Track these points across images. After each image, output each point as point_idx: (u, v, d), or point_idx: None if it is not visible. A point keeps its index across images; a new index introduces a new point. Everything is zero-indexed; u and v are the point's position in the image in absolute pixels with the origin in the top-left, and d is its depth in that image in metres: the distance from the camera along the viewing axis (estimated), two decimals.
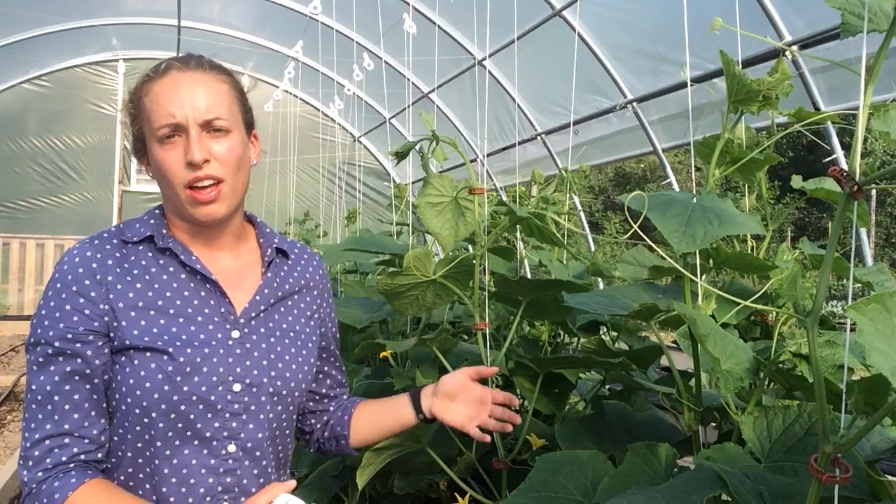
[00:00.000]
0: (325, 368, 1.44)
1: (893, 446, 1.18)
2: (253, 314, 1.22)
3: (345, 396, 1.49)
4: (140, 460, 1.14)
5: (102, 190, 10.79)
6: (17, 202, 10.78)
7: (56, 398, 1.11)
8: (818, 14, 4.08)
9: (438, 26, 6.95)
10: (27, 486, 1.10)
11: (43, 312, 1.13)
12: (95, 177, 10.97)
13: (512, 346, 1.91)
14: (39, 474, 1.09)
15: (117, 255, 1.18)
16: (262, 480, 1.20)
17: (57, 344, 1.11)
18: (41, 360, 1.12)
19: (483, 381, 1.86)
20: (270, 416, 1.21)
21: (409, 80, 7.77)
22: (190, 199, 1.15)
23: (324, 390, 1.44)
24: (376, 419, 1.39)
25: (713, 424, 1.61)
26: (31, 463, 1.10)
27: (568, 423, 1.65)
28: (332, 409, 1.45)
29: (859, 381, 1.09)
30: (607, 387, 2.07)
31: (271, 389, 1.20)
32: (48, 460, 1.10)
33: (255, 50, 9.90)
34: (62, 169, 10.95)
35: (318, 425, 1.45)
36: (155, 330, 1.14)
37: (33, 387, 1.13)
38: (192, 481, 1.14)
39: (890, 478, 1.14)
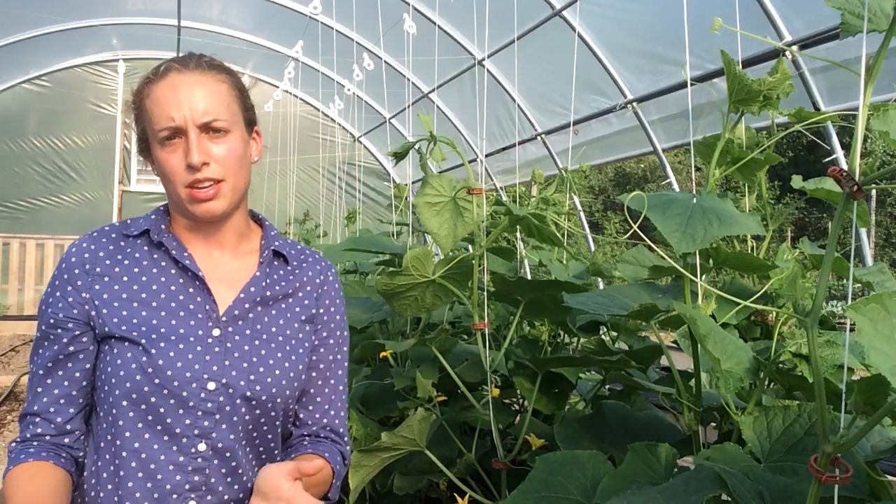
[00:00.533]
0: (304, 387, 1.29)
1: (893, 446, 1.18)
2: (236, 312, 1.21)
3: (315, 427, 1.31)
4: (111, 451, 1.15)
5: (102, 190, 10.79)
6: (17, 202, 10.77)
7: (35, 380, 1.19)
8: (818, 14, 4.08)
9: (438, 26, 6.95)
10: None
11: (42, 298, 1.21)
12: (95, 177, 10.96)
13: (511, 346, 1.91)
14: (12, 444, 1.18)
15: (111, 247, 1.21)
16: (230, 480, 1.18)
17: (44, 328, 1.18)
18: (35, 344, 1.21)
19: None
20: (246, 418, 1.18)
21: (409, 80, 7.77)
22: (189, 197, 1.17)
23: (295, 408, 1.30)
24: None
25: (713, 424, 1.61)
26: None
27: (568, 423, 1.65)
28: (294, 433, 1.31)
29: (859, 381, 1.09)
30: (607, 387, 2.07)
31: (248, 393, 1.17)
32: (21, 434, 1.19)
33: (255, 50, 9.91)
34: (62, 169, 10.94)
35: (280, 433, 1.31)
36: (134, 320, 1.16)
37: (31, 366, 1.21)
38: (158, 476, 1.13)
39: (890, 478, 1.14)
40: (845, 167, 0.85)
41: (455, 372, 1.77)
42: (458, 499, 1.65)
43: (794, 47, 4.20)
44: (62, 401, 1.18)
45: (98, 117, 10.98)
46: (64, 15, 8.87)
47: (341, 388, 1.35)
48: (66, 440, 1.18)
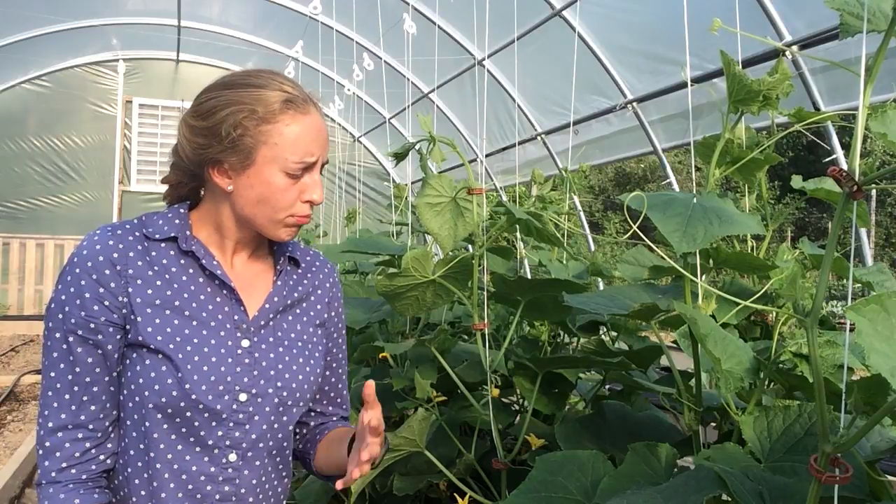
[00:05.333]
0: (320, 381, 1.37)
1: (893, 446, 1.18)
2: (262, 322, 1.22)
3: (335, 418, 1.41)
4: (143, 460, 1.14)
5: (102, 190, 10.79)
6: (17, 202, 10.78)
7: (76, 388, 1.11)
8: (818, 14, 4.08)
9: (438, 26, 6.95)
10: (39, 477, 1.13)
11: (63, 298, 1.11)
12: (95, 177, 10.97)
13: (511, 346, 1.91)
14: (53, 473, 1.11)
15: (139, 247, 1.16)
16: (258, 490, 1.20)
17: (80, 332, 1.10)
18: (65, 346, 1.11)
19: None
20: (275, 426, 1.20)
21: (409, 80, 7.77)
22: (293, 223, 1.19)
23: (311, 403, 1.36)
24: (332, 452, 1.31)
25: (713, 424, 1.61)
26: (41, 452, 1.13)
27: (568, 423, 1.65)
28: (313, 424, 1.39)
29: (859, 381, 1.09)
30: (607, 387, 2.07)
31: (276, 400, 1.19)
32: (58, 454, 1.11)
33: (255, 50, 9.91)
34: (62, 169, 10.95)
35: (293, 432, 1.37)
36: (168, 330, 1.13)
37: (52, 374, 1.12)
38: (189, 487, 1.14)
39: (890, 478, 1.14)
40: (845, 167, 0.85)
41: (455, 372, 1.77)
42: (459, 499, 1.65)
43: (794, 47, 4.20)
44: (108, 405, 1.14)
45: (98, 117, 10.99)
46: (64, 15, 8.88)
47: (345, 377, 1.43)
48: (110, 445, 1.16)
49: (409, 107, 7.93)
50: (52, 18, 8.84)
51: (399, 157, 1.72)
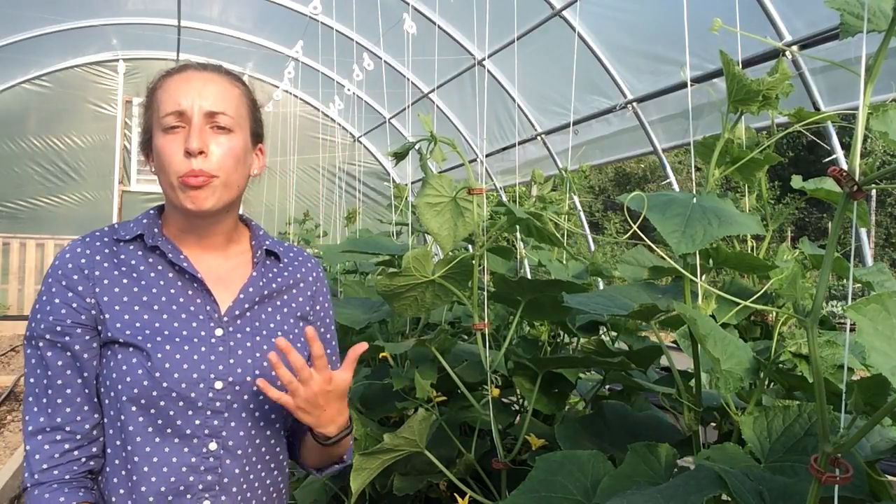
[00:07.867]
0: None
1: (893, 446, 1.18)
2: (237, 312, 1.23)
3: None
4: (121, 456, 1.15)
5: (102, 190, 10.80)
6: (17, 202, 10.79)
7: (50, 392, 1.15)
8: (818, 14, 4.08)
9: (438, 26, 6.95)
10: (24, 481, 1.14)
11: (36, 307, 1.17)
12: (95, 177, 10.98)
13: (511, 346, 1.91)
14: (36, 475, 1.13)
15: (107, 251, 1.20)
16: (242, 479, 1.20)
17: (48, 336, 1.15)
18: (38, 353, 1.16)
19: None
20: (256, 414, 1.21)
21: (409, 80, 7.78)
22: (181, 184, 1.16)
23: None
24: (309, 444, 1.29)
25: (713, 424, 1.61)
26: (25, 457, 1.15)
27: (568, 423, 1.64)
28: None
29: (859, 381, 1.09)
30: (607, 387, 2.07)
31: (255, 388, 1.19)
32: (38, 457, 1.13)
33: (255, 50, 9.91)
34: (62, 169, 10.96)
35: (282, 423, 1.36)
36: (137, 324, 1.15)
37: (31, 380, 1.16)
38: (172, 479, 1.14)
39: (890, 478, 1.14)
40: (845, 167, 0.85)
41: (455, 372, 1.77)
42: (459, 499, 1.65)
43: (794, 47, 4.20)
44: (86, 407, 1.16)
45: (98, 117, 11.00)
46: (64, 15, 8.88)
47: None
48: (94, 449, 1.16)
49: (409, 107, 7.94)
50: (52, 18, 8.84)
51: (399, 156, 1.72)
